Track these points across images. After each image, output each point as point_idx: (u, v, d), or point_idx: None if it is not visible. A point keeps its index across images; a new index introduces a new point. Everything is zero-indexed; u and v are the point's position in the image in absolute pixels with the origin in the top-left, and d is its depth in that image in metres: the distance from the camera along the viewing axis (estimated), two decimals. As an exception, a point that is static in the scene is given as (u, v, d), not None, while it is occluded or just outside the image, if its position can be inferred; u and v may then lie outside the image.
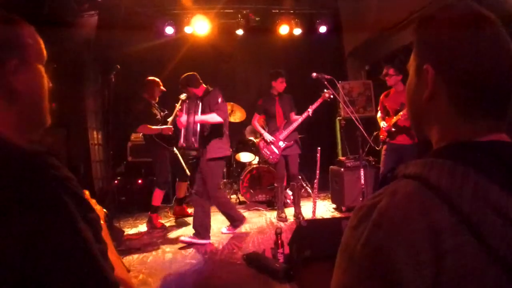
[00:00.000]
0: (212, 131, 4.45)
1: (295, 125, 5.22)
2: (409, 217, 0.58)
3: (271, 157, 5.33)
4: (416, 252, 0.56)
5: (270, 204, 6.26)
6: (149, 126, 5.06)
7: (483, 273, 0.55)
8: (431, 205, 0.58)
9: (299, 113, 5.28)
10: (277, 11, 7.62)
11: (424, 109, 0.74)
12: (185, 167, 5.68)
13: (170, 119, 5.28)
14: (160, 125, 5.20)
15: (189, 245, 4.38)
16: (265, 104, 5.40)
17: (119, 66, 4.34)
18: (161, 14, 7.22)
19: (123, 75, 4.81)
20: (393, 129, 4.75)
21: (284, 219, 5.27)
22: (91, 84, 6.81)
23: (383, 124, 4.86)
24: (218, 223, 5.03)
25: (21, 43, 0.85)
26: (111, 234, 3.98)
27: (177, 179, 5.74)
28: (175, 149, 5.59)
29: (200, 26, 7.03)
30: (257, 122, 5.50)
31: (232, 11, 7.40)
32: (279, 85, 5.28)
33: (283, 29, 7.52)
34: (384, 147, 4.88)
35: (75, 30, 6.42)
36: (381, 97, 5.07)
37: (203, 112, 4.42)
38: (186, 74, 4.61)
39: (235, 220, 4.76)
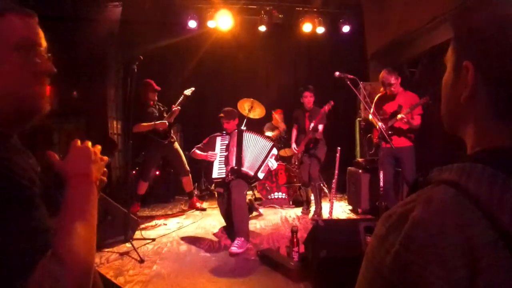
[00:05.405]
0: None
1: (306, 140, 5.42)
2: (446, 229, 0.54)
3: (294, 165, 5.95)
4: (452, 268, 0.52)
5: (297, 202, 6.30)
6: (142, 124, 5.34)
7: None
8: (470, 217, 0.54)
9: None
10: (300, 9, 7.59)
11: (462, 108, 0.69)
12: (185, 162, 5.81)
13: (167, 115, 5.58)
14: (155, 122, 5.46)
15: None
16: (296, 117, 5.71)
17: (141, 57, 4.35)
18: (184, 8, 7.24)
19: (146, 67, 4.84)
20: (389, 132, 4.57)
21: (319, 215, 5.27)
22: (113, 75, 6.88)
23: (380, 125, 4.55)
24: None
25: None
26: (127, 224, 3.95)
27: (180, 176, 5.87)
28: (176, 144, 5.79)
29: (223, 21, 7.05)
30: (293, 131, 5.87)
31: (255, 7, 7.39)
32: (305, 100, 5.47)
33: (306, 27, 7.49)
34: (381, 152, 4.59)
35: (99, 20, 6.48)
36: (377, 98, 4.88)
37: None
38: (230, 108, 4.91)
39: (246, 235, 4.22)
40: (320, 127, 5.35)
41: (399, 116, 4.44)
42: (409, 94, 4.62)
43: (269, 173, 6.29)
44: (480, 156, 0.63)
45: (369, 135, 5.01)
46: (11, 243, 0.68)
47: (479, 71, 0.65)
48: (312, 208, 5.63)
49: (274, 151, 4.72)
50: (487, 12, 0.66)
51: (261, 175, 4.63)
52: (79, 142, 1.05)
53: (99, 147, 1.08)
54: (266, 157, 4.62)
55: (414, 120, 4.46)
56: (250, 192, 6.85)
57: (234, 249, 3.95)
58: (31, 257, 0.70)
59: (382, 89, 4.84)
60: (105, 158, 1.08)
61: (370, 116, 4.82)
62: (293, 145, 5.70)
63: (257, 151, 4.65)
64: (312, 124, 5.22)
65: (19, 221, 0.70)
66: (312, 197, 5.65)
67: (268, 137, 5.22)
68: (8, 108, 0.86)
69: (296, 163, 5.77)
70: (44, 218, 0.77)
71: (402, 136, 4.61)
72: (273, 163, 4.71)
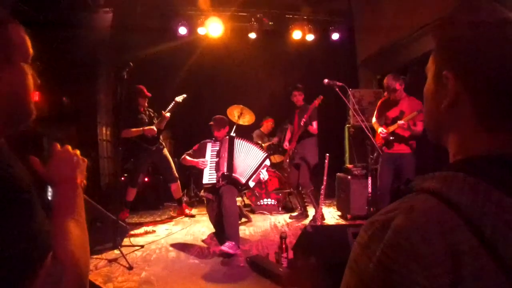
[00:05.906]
0: None
1: (296, 136, 5.52)
2: (428, 237, 0.53)
3: (285, 163, 6.00)
4: (435, 275, 0.52)
5: (286, 209, 6.34)
6: (130, 129, 5.35)
7: None
8: (452, 225, 0.54)
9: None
10: (290, 16, 7.65)
11: (443, 117, 0.69)
12: (173, 168, 5.80)
13: (156, 121, 5.61)
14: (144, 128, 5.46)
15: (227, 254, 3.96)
16: (289, 116, 5.86)
17: (132, 64, 4.35)
18: (175, 14, 7.27)
19: (136, 74, 4.83)
20: (391, 138, 4.63)
21: (320, 219, 5.22)
22: (104, 81, 6.87)
23: (381, 130, 4.67)
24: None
25: (6, 43, 0.85)
26: (116, 231, 3.93)
27: (169, 182, 5.85)
28: (165, 151, 5.78)
29: (214, 28, 7.08)
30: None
31: (246, 14, 7.44)
32: (294, 99, 5.63)
33: (296, 35, 7.56)
34: (380, 158, 4.71)
35: (90, 26, 6.48)
36: (380, 103, 4.92)
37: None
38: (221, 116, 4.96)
39: (237, 240, 4.19)
40: (314, 124, 5.38)
41: (399, 122, 4.48)
42: (412, 100, 4.61)
43: (259, 180, 6.30)
44: (462, 164, 0.63)
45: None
46: (12, 243, 0.69)
47: (459, 80, 0.65)
48: (311, 213, 5.66)
49: (267, 162, 4.75)
50: (467, 22, 0.66)
51: (251, 183, 4.64)
52: (59, 146, 1.07)
53: (78, 151, 1.11)
54: (259, 166, 4.65)
55: (416, 126, 4.48)
56: (239, 199, 6.86)
57: (225, 248, 3.92)
58: (32, 257, 0.72)
59: (386, 93, 4.84)
60: (85, 160, 1.10)
61: (374, 120, 4.89)
62: (286, 143, 5.78)
63: (249, 159, 4.66)
64: (303, 119, 5.25)
65: (20, 221, 0.72)
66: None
67: (261, 147, 5.22)
68: (9, 116, 0.87)
69: (288, 160, 5.78)
70: (43, 219, 0.78)
71: (402, 143, 4.62)
72: (264, 174, 4.73)
